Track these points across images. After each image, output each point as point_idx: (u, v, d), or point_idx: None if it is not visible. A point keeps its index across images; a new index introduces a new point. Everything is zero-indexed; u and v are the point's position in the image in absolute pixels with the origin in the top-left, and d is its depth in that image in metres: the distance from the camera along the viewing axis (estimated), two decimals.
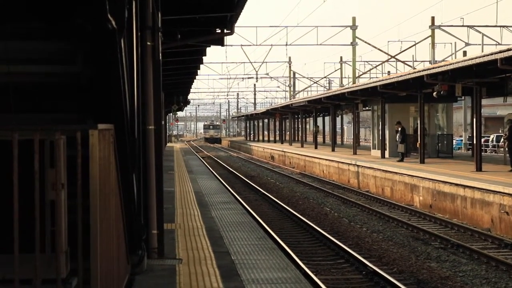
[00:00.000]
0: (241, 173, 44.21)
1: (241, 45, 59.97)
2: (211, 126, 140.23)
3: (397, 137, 34.94)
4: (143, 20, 11.02)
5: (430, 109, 37.96)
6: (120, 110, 7.96)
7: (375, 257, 16.87)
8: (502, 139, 33.68)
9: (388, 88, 33.70)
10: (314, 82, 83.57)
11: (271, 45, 60.52)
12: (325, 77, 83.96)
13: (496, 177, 23.75)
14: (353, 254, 16.44)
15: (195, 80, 45.97)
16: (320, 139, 67.01)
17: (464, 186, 22.75)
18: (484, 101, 31.99)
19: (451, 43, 57.12)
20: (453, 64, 25.73)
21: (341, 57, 67.65)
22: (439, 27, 48.99)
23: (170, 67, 26.29)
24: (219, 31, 18.04)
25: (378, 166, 31.91)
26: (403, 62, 58.97)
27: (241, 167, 53.23)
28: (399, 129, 34.53)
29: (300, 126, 71.46)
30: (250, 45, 58.59)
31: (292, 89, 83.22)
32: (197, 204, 20.00)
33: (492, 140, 55.66)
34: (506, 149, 28.48)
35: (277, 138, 79.50)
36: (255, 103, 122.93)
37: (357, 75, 56.88)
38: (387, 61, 60.94)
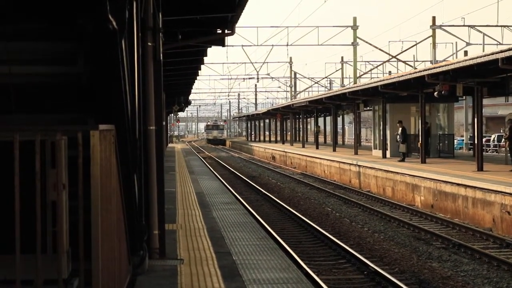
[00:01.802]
0: (242, 174, 44.22)
1: (242, 46, 60.03)
2: (214, 127, 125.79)
3: (398, 137, 34.94)
4: (144, 21, 11.02)
5: (431, 109, 37.96)
6: (121, 111, 7.96)
7: (376, 257, 16.87)
8: (503, 139, 33.57)
9: (389, 88, 33.70)
10: (315, 82, 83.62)
11: (272, 45, 60.61)
12: (326, 77, 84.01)
13: (498, 176, 23.74)
14: (354, 254, 16.44)
15: (196, 81, 46.00)
16: (321, 139, 66.99)
17: (466, 186, 22.74)
18: (485, 101, 32.03)
19: (452, 43, 57.13)
20: (454, 64, 25.74)
21: (342, 57, 67.63)
22: (440, 27, 48.97)
23: (171, 67, 26.29)
24: (220, 31, 18.04)
25: (379, 166, 31.91)
26: (404, 62, 58.98)
27: (242, 167, 53.24)
28: (400, 128, 34.54)
29: (301, 126, 71.46)
30: (251, 46, 58.65)
31: (293, 90, 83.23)
32: (198, 205, 20.00)
33: (494, 140, 55.64)
34: (507, 148, 28.45)
35: (278, 138, 79.50)
36: (256, 104, 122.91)
37: (358, 75, 56.86)
38: (388, 61, 60.93)
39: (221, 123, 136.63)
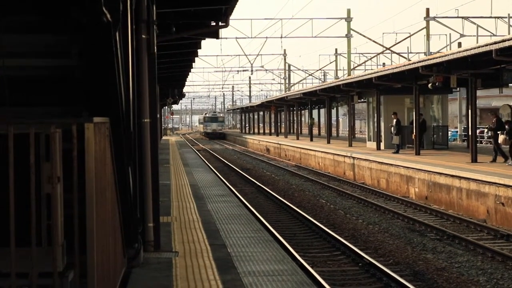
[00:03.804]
0: (236, 166, 44.21)
1: (236, 38, 59.94)
2: (213, 118, 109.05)
3: (392, 129, 34.97)
4: (138, 13, 11.00)
5: (425, 101, 37.98)
6: (116, 104, 7.95)
7: (371, 248, 16.89)
8: (488, 130, 33.07)
9: (383, 80, 33.70)
10: (309, 75, 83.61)
11: (266, 37, 60.48)
12: (320, 69, 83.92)
13: (492, 168, 23.79)
14: (349, 246, 16.46)
15: (190, 73, 45.92)
16: (315, 131, 67.03)
17: (460, 177, 22.78)
18: (479, 92, 32.05)
19: (446, 35, 57.38)
20: (448, 55, 25.74)
21: (336, 49, 67.60)
22: (434, 18, 48.93)
23: (165, 60, 26.24)
24: (214, 23, 17.99)
25: (374, 158, 31.93)
26: (398, 54, 58.92)
27: (237, 159, 53.23)
28: (395, 120, 34.58)
29: (295, 118, 71.46)
30: (245, 38, 58.56)
31: (287, 82, 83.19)
32: (193, 197, 20.00)
33: (487, 131, 55.69)
34: (493, 140, 28.36)
35: (273, 130, 79.53)
36: (250, 96, 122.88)
37: (352, 67, 56.86)
38: (382, 53, 60.90)
39: (221, 114, 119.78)
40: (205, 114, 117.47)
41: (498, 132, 26.39)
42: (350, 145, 42.74)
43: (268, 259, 11.16)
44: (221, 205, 18.31)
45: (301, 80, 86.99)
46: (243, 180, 35.61)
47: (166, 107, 78.00)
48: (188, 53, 26.35)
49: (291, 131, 76.43)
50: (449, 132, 46.97)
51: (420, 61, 28.83)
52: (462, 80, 29.66)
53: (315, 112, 71.31)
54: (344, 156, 37.06)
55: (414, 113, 33.16)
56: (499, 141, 26.43)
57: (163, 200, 17.66)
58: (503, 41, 21.03)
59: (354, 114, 58.22)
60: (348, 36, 53.66)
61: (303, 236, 18.89)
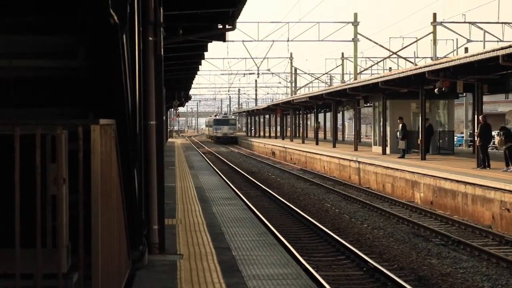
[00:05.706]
0: (242, 169, 44.20)
1: (243, 41, 59.98)
2: (224, 121, 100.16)
3: (398, 133, 34.94)
4: (145, 15, 11.01)
5: (432, 106, 37.93)
6: (122, 105, 7.95)
7: (376, 253, 16.87)
8: (476, 136, 32.21)
9: (389, 85, 33.68)
10: (316, 78, 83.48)
11: (273, 40, 60.51)
12: (326, 73, 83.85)
13: (497, 174, 23.74)
14: (354, 251, 16.44)
15: (196, 76, 45.98)
16: (321, 135, 66.97)
17: (465, 183, 22.74)
18: (485, 98, 31.96)
19: (452, 40, 57.08)
20: (455, 60, 25.71)
21: (342, 53, 67.60)
22: (441, 23, 48.88)
23: (172, 62, 26.28)
24: (221, 26, 18.02)
25: (379, 162, 31.90)
26: (404, 58, 58.87)
27: (242, 163, 53.22)
28: (401, 125, 34.55)
29: (301, 122, 71.44)
30: (251, 41, 58.51)
31: (293, 85, 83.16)
32: (198, 200, 20.00)
33: (493, 137, 55.54)
34: (478, 145, 28.21)
35: (278, 134, 79.45)
36: (256, 99, 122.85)
37: (358, 71, 56.78)
38: (388, 57, 60.81)
39: (232, 116, 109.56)
40: (215, 116, 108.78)
41: (494, 134, 26.38)
42: (356, 149, 42.71)
43: (272, 262, 11.15)
44: (226, 208, 18.30)
45: (307, 84, 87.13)
46: (248, 183, 35.60)
47: (172, 109, 77.98)
48: (195, 56, 26.39)
49: (297, 135, 76.37)
50: (455, 138, 46.89)
51: (426, 66, 28.80)
52: (468, 85, 29.63)
53: (321, 116, 71.27)
54: (350, 160, 37.03)
55: (420, 118, 33.13)
56: (496, 142, 26.43)
57: (168, 203, 17.66)
58: (510, 46, 21.01)
59: (360, 118, 58.21)
60: (355, 40, 53.62)
61: (307, 240, 18.87)
